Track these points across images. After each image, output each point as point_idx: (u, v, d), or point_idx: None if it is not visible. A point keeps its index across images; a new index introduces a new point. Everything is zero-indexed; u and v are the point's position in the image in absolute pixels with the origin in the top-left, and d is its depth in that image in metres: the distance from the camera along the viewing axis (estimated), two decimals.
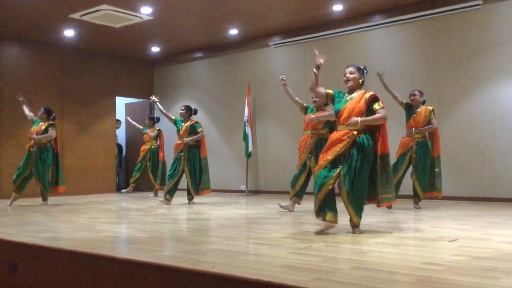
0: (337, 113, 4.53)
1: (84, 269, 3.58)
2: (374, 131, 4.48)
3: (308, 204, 7.45)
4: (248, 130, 9.88)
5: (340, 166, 4.37)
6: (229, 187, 10.55)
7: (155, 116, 10.36)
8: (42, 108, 8.05)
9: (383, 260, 3.27)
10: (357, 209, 4.36)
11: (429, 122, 6.63)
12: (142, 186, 12.18)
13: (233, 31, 9.70)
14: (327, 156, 4.40)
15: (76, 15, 8.36)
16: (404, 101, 6.78)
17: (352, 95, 4.53)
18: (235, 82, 10.62)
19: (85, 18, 8.47)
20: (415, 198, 6.68)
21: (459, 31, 7.87)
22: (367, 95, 4.45)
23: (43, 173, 7.76)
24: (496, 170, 7.41)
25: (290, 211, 6.47)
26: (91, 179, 10.84)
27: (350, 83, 4.54)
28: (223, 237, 4.42)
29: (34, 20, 8.72)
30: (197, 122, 7.84)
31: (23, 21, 8.77)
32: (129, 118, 10.88)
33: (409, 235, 4.37)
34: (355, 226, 4.44)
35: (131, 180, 9.90)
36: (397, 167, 6.59)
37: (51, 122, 7.92)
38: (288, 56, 9.87)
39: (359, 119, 4.33)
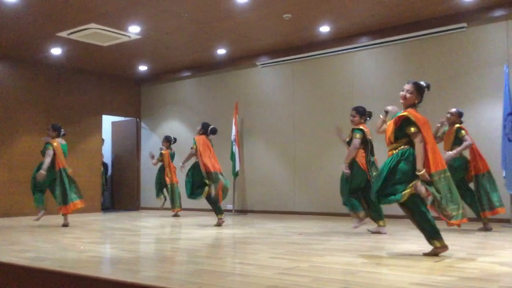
0: None
1: None
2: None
3: (292, 224, 7.42)
4: (236, 149, 9.87)
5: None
6: None
7: (171, 136, 10.06)
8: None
9: (371, 280, 3.25)
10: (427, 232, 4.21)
11: (460, 141, 6.20)
12: (128, 205, 12.08)
13: (221, 51, 9.75)
14: None
15: (63, 34, 8.34)
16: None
17: None
18: (222, 101, 10.64)
19: (73, 36, 8.46)
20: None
21: (444, 52, 8.00)
22: (399, 114, 4.24)
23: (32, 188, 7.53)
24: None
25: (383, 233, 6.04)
26: None
27: (402, 101, 4.31)
28: (209, 257, 4.37)
29: (21, 39, 8.68)
30: (194, 139, 7.55)
31: (10, 40, 8.73)
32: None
33: (396, 255, 4.36)
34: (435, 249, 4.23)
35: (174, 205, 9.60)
36: None
37: (47, 142, 7.61)
38: (276, 76, 9.93)
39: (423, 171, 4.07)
